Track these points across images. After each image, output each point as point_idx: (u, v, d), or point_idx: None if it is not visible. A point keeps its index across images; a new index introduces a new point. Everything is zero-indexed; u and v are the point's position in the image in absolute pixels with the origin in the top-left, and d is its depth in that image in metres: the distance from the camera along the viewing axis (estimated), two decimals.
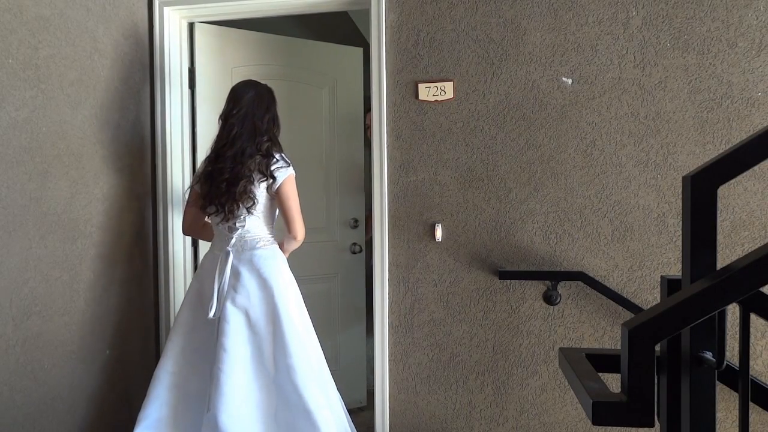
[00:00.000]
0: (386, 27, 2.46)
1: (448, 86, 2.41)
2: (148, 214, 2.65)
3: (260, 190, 2.10)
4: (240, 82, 2.23)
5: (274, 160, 2.11)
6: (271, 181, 2.09)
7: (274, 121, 2.20)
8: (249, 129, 2.10)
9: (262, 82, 2.25)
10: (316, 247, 3.05)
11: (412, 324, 2.48)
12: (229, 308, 2.05)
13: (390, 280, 2.49)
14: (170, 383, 2.10)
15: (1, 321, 1.88)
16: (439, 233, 2.42)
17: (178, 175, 2.69)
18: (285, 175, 2.11)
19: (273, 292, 2.06)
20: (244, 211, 2.08)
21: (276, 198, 2.14)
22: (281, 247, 2.20)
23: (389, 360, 2.50)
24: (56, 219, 2.11)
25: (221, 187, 2.07)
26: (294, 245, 2.20)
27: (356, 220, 3.23)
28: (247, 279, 2.07)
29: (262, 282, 2.07)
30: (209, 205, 2.13)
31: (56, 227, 2.11)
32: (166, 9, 2.63)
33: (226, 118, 2.15)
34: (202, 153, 2.46)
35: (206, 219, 2.25)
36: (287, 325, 2.03)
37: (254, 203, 2.08)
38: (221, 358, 1.98)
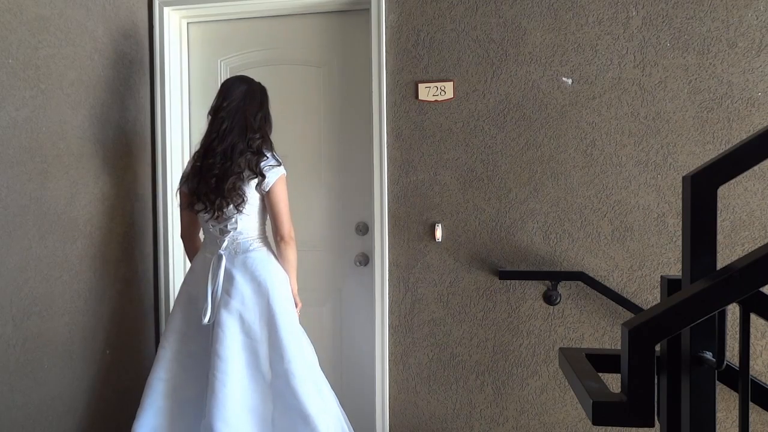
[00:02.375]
0: (386, 27, 2.46)
1: (448, 86, 2.41)
2: (148, 213, 2.65)
3: (250, 188, 2.04)
4: (231, 77, 2.19)
5: (265, 158, 2.05)
6: (260, 178, 2.03)
7: (266, 120, 2.15)
8: (240, 124, 2.05)
9: (250, 70, 2.17)
10: (305, 256, 2.61)
11: (412, 324, 2.48)
12: (224, 314, 2.00)
13: (390, 280, 2.49)
14: (164, 391, 2.07)
15: (1, 321, 1.87)
16: (439, 233, 2.42)
17: (178, 175, 2.68)
18: (276, 175, 2.05)
19: (268, 294, 2.02)
20: (234, 210, 2.02)
21: (266, 198, 2.08)
22: (278, 259, 2.11)
23: (389, 360, 2.50)
24: (56, 219, 2.10)
25: (210, 183, 2.01)
26: (289, 249, 2.10)
27: (365, 225, 2.62)
28: (241, 283, 2.02)
29: (257, 285, 2.02)
30: (197, 202, 2.08)
31: (56, 227, 2.10)
32: (166, 9, 2.64)
33: (215, 112, 2.09)
34: None
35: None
36: (283, 328, 1.99)
37: (243, 201, 2.02)
38: (216, 366, 1.95)
